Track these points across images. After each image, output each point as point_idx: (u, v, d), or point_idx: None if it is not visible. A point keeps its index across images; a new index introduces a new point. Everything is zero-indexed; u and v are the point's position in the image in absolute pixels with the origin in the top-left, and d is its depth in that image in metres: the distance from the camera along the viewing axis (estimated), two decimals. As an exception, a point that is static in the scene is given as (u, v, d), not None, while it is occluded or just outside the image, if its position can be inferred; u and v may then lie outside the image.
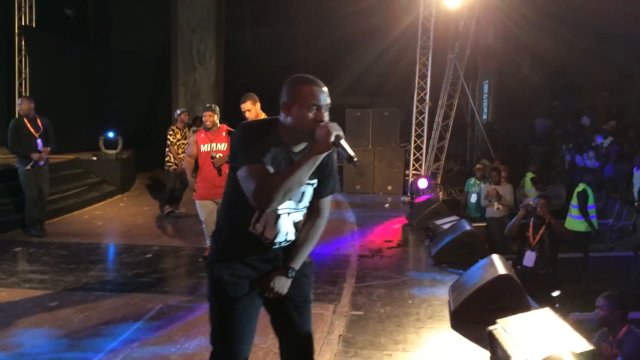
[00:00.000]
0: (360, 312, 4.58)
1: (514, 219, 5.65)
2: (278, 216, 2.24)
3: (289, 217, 2.29)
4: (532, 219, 5.47)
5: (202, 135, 5.50)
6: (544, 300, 4.58)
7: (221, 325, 2.30)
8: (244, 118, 5.17)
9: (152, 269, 5.71)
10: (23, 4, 11.23)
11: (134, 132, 12.00)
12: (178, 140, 8.60)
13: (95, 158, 10.53)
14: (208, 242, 5.11)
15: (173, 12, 14.98)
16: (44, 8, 11.64)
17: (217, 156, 5.37)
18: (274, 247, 2.30)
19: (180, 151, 8.45)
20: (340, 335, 4.12)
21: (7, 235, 7.04)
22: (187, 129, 8.93)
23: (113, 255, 6.20)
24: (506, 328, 3.49)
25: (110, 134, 10.33)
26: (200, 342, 3.91)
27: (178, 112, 9.00)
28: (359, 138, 11.87)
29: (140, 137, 12.05)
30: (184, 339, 3.96)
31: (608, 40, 13.22)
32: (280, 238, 2.30)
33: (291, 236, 2.34)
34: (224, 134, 5.48)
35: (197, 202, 5.47)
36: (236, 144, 2.17)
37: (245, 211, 2.20)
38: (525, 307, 4.06)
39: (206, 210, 5.40)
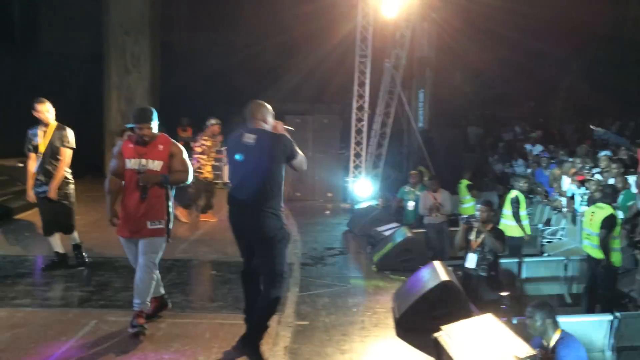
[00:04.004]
0: (306, 322, 4.55)
1: (458, 235, 5.79)
2: None
3: None
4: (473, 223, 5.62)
5: (131, 145, 4.16)
6: (485, 303, 4.70)
7: (285, 258, 3.78)
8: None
9: (85, 281, 5.42)
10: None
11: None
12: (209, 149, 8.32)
13: (21, 165, 9.92)
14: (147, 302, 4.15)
15: (105, 13, 14.44)
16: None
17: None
18: None
19: (210, 161, 8.30)
20: (286, 347, 4.07)
21: None
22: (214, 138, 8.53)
23: (43, 268, 5.83)
24: (451, 334, 3.57)
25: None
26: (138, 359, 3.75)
27: (212, 122, 8.44)
28: (299, 145, 11.79)
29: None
30: (122, 356, 3.78)
31: (533, 54, 13.95)
32: None
33: None
34: (160, 147, 4.15)
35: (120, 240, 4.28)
36: (291, 143, 3.77)
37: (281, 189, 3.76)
38: (468, 313, 4.16)
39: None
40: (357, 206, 9.55)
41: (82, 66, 14.41)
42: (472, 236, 5.59)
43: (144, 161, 4.05)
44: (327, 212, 10.42)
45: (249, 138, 3.68)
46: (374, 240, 7.07)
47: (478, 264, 5.46)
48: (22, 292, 5.04)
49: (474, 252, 5.52)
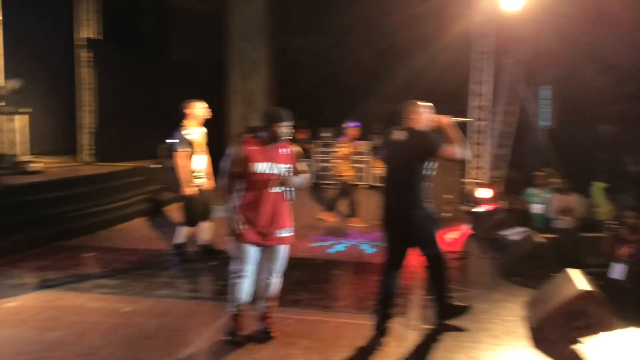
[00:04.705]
0: (433, 326, 4.46)
1: (604, 242, 5.38)
2: None
3: None
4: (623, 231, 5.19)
5: (256, 148, 3.92)
6: (633, 317, 4.31)
7: (436, 239, 4.23)
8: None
9: (221, 275, 5.74)
10: (89, 17, 11.67)
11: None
12: (348, 152, 8.57)
13: (156, 166, 10.77)
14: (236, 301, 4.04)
15: (227, 22, 15.25)
16: (106, 21, 12.06)
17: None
18: None
19: (347, 164, 8.53)
20: (413, 351, 4.02)
21: (77, 241, 7.28)
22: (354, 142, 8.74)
23: (181, 262, 6.27)
24: (593, 348, 3.33)
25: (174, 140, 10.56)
26: (271, 353, 3.90)
27: (350, 125, 8.59)
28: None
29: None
30: (253, 348, 3.95)
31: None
32: None
33: None
34: (284, 150, 4.00)
35: (242, 246, 3.93)
36: (433, 138, 4.08)
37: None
38: (611, 326, 3.86)
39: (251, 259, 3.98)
40: (478, 209, 9.22)
41: (206, 72, 15.32)
42: (619, 244, 5.15)
43: (280, 165, 3.92)
44: (446, 214, 10.15)
45: (398, 135, 4.22)
46: (499, 245, 6.78)
47: (625, 275, 5.02)
48: (164, 284, 5.46)
49: (621, 262, 5.08)
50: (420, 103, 4.26)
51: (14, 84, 9.34)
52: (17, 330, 4.27)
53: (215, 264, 6.12)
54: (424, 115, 4.23)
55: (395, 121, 4.36)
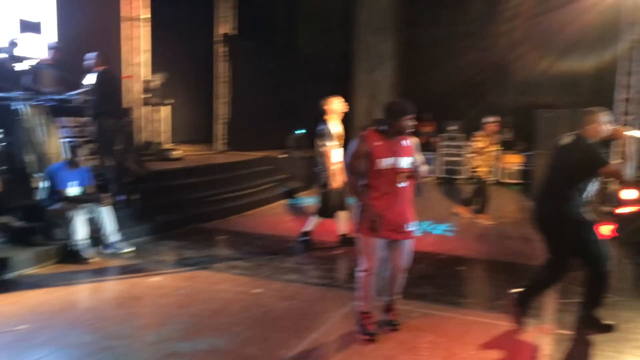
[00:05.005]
0: (569, 332, 4.15)
1: None
2: None
3: None
4: None
5: (379, 143, 3.81)
6: None
7: (589, 241, 3.99)
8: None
9: (343, 265, 5.85)
10: (227, 14, 12.37)
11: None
12: (484, 148, 8.28)
13: (285, 156, 11.18)
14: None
15: (356, 15, 15.34)
16: (241, 17, 12.72)
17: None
18: None
19: (486, 161, 8.29)
20: (547, 356, 3.78)
21: (211, 224, 7.78)
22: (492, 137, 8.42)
23: (306, 249, 6.44)
24: None
25: (300, 131, 10.90)
26: (395, 344, 3.86)
27: (489, 120, 8.33)
28: (551, 141, 10.90)
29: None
30: (381, 337, 3.94)
31: None
32: None
33: None
34: (405, 142, 3.89)
35: (371, 242, 3.84)
36: (599, 155, 3.89)
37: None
38: None
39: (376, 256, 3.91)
40: (622, 211, 8.42)
41: (332, 66, 15.54)
42: None
43: (404, 158, 3.82)
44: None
45: (565, 142, 4.13)
46: (647, 250, 6.15)
47: None
48: (291, 269, 5.64)
49: None
50: (599, 111, 4.08)
51: (160, 77, 10.18)
52: (159, 304, 4.68)
53: (339, 252, 6.22)
54: (602, 125, 4.03)
55: (558, 126, 4.28)
